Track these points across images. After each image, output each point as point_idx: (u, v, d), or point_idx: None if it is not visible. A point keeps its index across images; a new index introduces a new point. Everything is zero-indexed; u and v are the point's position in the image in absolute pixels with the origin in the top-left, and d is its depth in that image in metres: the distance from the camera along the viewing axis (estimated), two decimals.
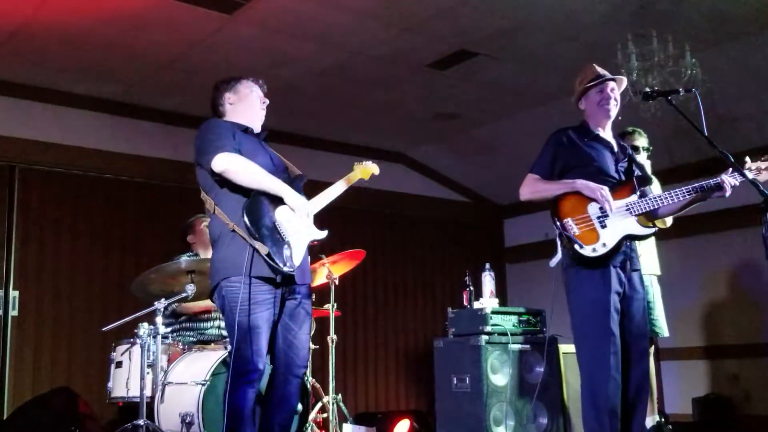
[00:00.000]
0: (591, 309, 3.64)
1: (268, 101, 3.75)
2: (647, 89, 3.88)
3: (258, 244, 3.22)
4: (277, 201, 3.39)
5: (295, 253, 3.35)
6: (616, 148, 3.93)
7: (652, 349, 4.90)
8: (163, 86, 6.31)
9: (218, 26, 5.31)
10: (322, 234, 3.51)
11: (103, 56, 5.72)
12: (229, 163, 3.32)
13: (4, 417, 5.51)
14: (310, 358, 5.11)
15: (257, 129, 3.70)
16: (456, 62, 6.00)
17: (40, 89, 6.20)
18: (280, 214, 3.37)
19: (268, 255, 3.22)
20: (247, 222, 3.23)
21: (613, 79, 3.95)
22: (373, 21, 5.33)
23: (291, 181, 3.56)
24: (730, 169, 3.64)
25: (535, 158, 3.94)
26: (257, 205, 3.32)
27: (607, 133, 3.94)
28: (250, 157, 3.43)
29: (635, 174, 3.89)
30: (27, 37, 5.36)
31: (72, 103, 6.36)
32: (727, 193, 3.68)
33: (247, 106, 3.68)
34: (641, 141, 4.86)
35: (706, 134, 3.53)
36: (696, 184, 3.68)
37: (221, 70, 5.95)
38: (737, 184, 3.66)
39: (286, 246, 3.30)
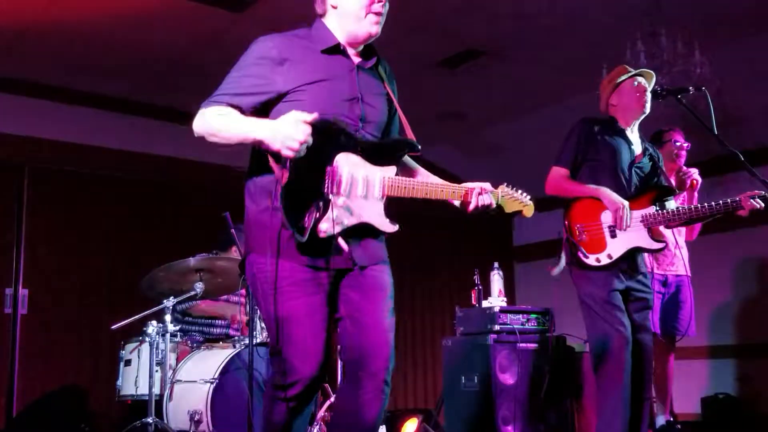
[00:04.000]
0: (598, 305, 3.65)
1: (384, 1, 2.54)
2: (657, 88, 3.86)
3: (277, 207, 2.35)
4: (358, 150, 2.48)
5: (331, 219, 2.39)
6: (636, 148, 3.90)
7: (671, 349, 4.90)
8: (172, 85, 6.31)
9: (227, 24, 5.32)
10: (388, 227, 2.63)
11: (112, 54, 5.73)
12: (197, 126, 2.46)
13: (14, 415, 5.52)
14: None
15: (360, 40, 2.59)
16: (464, 61, 5.99)
17: (49, 87, 6.22)
18: (343, 161, 2.44)
19: (288, 212, 2.32)
20: (276, 168, 2.36)
21: (649, 74, 3.92)
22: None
23: (387, 147, 2.59)
24: (759, 192, 3.61)
25: (559, 148, 3.90)
26: (311, 149, 2.35)
27: (633, 132, 3.92)
28: (319, 98, 2.47)
29: (657, 183, 3.86)
30: (36, 35, 5.37)
31: (81, 101, 6.37)
32: (746, 214, 3.66)
33: (350, 11, 2.55)
34: (681, 139, 4.84)
35: (716, 132, 3.52)
36: (715, 204, 3.65)
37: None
38: (760, 206, 3.62)
39: (321, 203, 2.38)
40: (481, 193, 2.78)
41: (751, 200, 3.62)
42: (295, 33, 2.62)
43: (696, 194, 4.67)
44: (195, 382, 4.18)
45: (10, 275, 5.92)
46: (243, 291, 4.89)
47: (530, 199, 2.92)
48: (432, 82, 6.37)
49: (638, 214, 3.69)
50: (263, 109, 2.49)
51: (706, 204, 3.67)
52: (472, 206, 2.77)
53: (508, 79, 6.32)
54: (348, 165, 2.45)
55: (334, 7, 2.59)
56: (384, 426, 5.14)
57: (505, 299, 5.18)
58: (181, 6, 5.03)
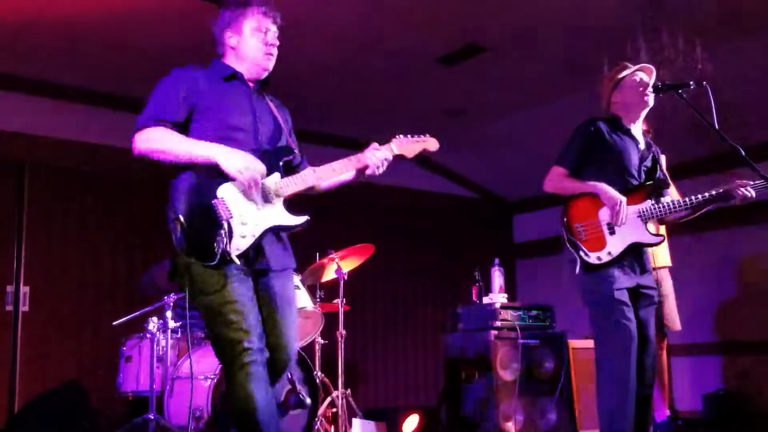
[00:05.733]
0: (603, 302, 3.64)
1: (278, 43, 3.06)
2: (657, 83, 3.85)
3: (177, 226, 2.75)
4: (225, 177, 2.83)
5: (240, 237, 2.78)
6: (642, 146, 3.90)
7: (664, 343, 4.92)
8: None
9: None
10: (297, 220, 2.91)
11: (112, 52, 5.73)
12: (144, 144, 2.84)
13: (15, 412, 5.53)
14: (319, 354, 5.12)
15: (256, 78, 3.08)
16: (465, 57, 5.98)
17: (50, 85, 6.21)
18: (226, 192, 2.81)
19: (184, 236, 2.74)
20: (173, 199, 2.80)
21: (649, 69, 3.90)
22: (381, 16, 5.33)
23: (270, 154, 2.96)
24: (750, 181, 3.61)
25: (562, 148, 3.87)
26: (198, 179, 2.83)
27: (637, 129, 3.91)
28: (223, 113, 2.92)
29: (655, 177, 3.86)
30: (37, 32, 5.37)
31: (81, 98, 6.37)
32: (738, 202, 3.65)
33: (248, 52, 3.04)
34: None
35: (717, 128, 3.52)
36: (708, 194, 3.65)
37: None
38: (752, 195, 3.63)
39: (222, 229, 2.74)
40: (370, 154, 3.10)
41: (742, 189, 3.61)
42: (199, 66, 3.06)
43: None
44: (196, 378, 4.19)
45: (11, 272, 5.93)
46: None
47: (429, 136, 3.33)
48: (431, 78, 6.37)
49: (635, 209, 3.69)
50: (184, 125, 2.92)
51: (700, 195, 3.65)
52: (370, 169, 3.07)
53: (508, 75, 6.31)
54: (233, 190, 2.82)
55: (233, 49, 3.05)
56: (385, 422, 5.15)
57: (505, 295, 5.19)
58: (181, 3, 5.02)
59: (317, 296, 5.12)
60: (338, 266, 5.05)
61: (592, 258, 3.66)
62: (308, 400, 4.04)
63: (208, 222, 2.76)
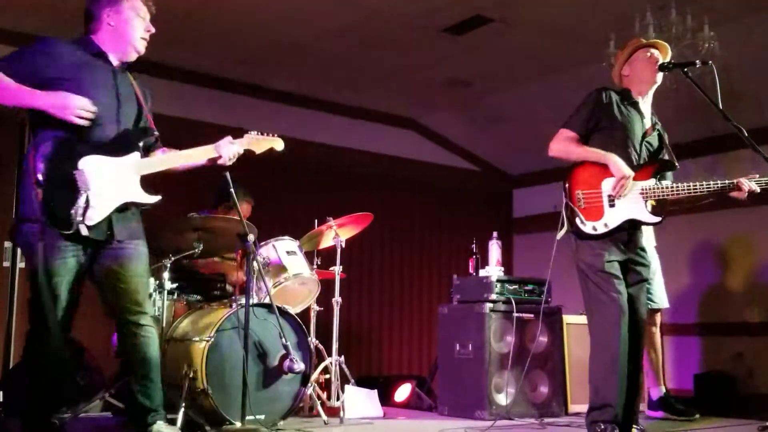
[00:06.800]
0: (595, 273, 3.66)
1: (153, 30, 3.27)
2: (663, 61, 3.83)
3: (36, 189, 2.89)
4: (98, 149, 3.05)
5: (96, 209, 2.98)
6: (648, 122, 3.89)
7: (656, 320, 4.94)
8: (174, 43, 6.26)
9: None
10: (150, 199, 3.17)
11: None
12: None
13: (10, 367, 5.56)
14: (314, 320, 5.14)
15: (126, 59, 3.25)
16: (471, 28, 5.93)
17: None
18: (87, 164, 3.00)
19: (44, 201, 2.89)
20: (38, 162, 2.90)
21: (663, 46, 3.88)
22: None
23: (132, 133, 3.18)
24: (756, 174, 3.60)
25: (572, 112, 3.86)
26: (61, 147, 2.99)
27: (646, 104, 3.90)
28: (84, 91, 3.03)
29: (661, 157, 3.85)
30: None
31: None
32: (744, 196, 3.66)
33: (128, 32, 3.20)
34: None
35: (721, 108, 3.50)
36: (713, 183, 3.64)
37: (234, 27, 5.93)
38: (757, 190, 3.63)
39: (82, 198, 2.94)
40: (226, 148, 3.33)
41: (748, 183, 3.62)
42: (68, 41, 3.16)
43: None
44: (191, 340, 4.20)
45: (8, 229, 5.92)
46: (239, 252, 4.91)
47: (277, 136, 3.52)
48: (437, 48, 6.32)
49: (638, 185, 3.69)
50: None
51: (704, 183, 3.65)
52: (222, 160, 3.33)
53: (514, 48, 6.26)
54: (94, 164, 3.00)
55: (111, 25, 3.18)
56: (376, 390, 5.19)
57: (502, 269, 5.20)
58: None
59: (314, 263, 5.12)
60: (336, 234, 5.05)
61: (588, 227, 3.66)
62: (302, 366, 4.06)
63: (68, 191, 2.93)
